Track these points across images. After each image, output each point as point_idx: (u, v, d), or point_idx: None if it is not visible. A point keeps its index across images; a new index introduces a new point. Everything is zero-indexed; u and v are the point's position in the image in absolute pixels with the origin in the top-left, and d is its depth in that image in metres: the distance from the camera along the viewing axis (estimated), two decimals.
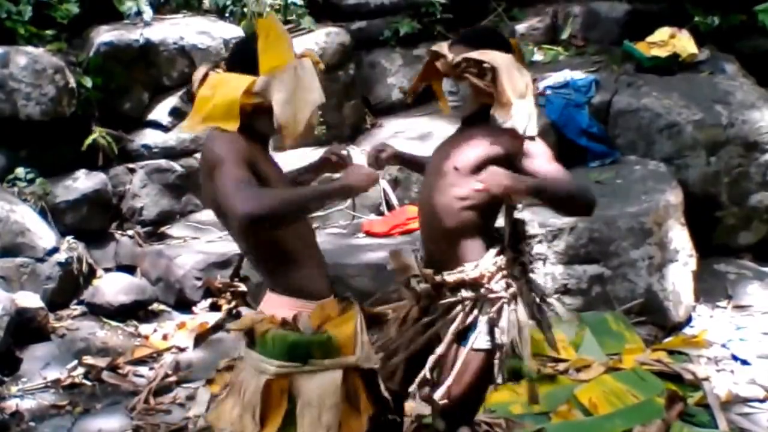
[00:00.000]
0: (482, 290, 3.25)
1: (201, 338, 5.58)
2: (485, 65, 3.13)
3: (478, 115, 3.27)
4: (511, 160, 3.20)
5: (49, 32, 6.66)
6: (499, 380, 3.34)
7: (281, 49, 2.86)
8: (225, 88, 2.82)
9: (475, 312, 3.26)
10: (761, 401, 4.82)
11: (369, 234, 6.32)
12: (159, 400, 4.93)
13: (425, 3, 7.98)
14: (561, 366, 4.88)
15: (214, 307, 5.99)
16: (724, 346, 5.46)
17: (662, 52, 7.16)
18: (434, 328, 3.31)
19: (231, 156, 2.71)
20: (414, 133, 7.20)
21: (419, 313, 3.39)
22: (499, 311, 3.26)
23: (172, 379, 5.12)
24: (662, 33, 7.27)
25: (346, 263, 5.64)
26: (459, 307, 3.27)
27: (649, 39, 7.29)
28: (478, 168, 3.18)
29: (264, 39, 2.83)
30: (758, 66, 7.44)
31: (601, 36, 8.10)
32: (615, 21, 8.11)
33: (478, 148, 3.20)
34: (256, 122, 2.84)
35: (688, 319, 5.81)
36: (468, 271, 3.25)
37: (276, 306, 2.90)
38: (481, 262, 3.25)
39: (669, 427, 4.24)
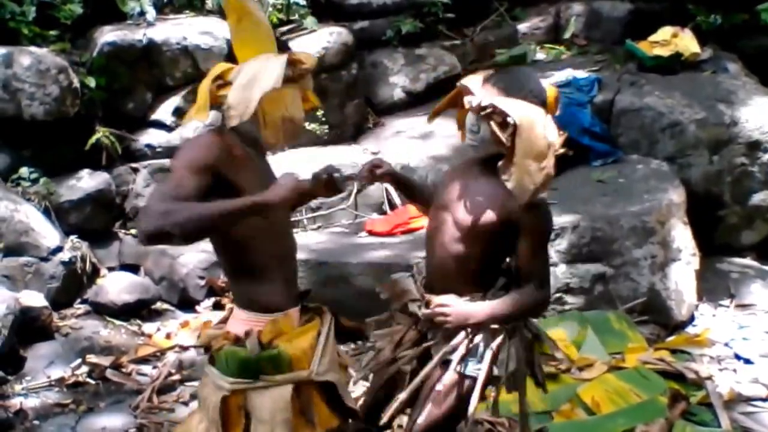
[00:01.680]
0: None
1: None
2: (509, 119, 3.02)
3: (498, 158, 3.15)
4: (515, 227, 3.13)
5: (52, 32, 6.67)
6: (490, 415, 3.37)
7: (258, 38, 2.79)
8: (207, 78, 2.80)
9: (476, 340, 3.24)
10: (764, 400, 4.82)
11: (371, 233, 6.33)
12: (162, 398, 4.94)
13: (427, 3, 7.99)
14: (563, 365, 4.87)
15: (217, 306, 6.01)
16: (726, 345, 5.46)
17: (665, 52, 7.16)
18: (439, 356, 3.27)
19: (185, 160, 2.66)
20: (416, 133, 7.21)
21: (417, 337, 3.37)
22: (500, 343, 3.25)
23: (176, 377, 5.13)
24: (664, 32, 7.28)
25: (348, 262, 5.65)
26: (462, 334, 3.24)
27: (652, 38, 7.29)
28: (492, 225, 3.13)
29: (235, 23, 2.78)
30: (761, 65, 7.44)
31: (603, 35, 8.12)
32: (617, 20, 8.13)
33: (495, 207, 3.12)
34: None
35: (691, 318, 5.82)
36: (475, 300, 3.22)
37: (235, 321, 2.90)
38: (488, 294, 3.23)
39: (672, 426, 4.25)
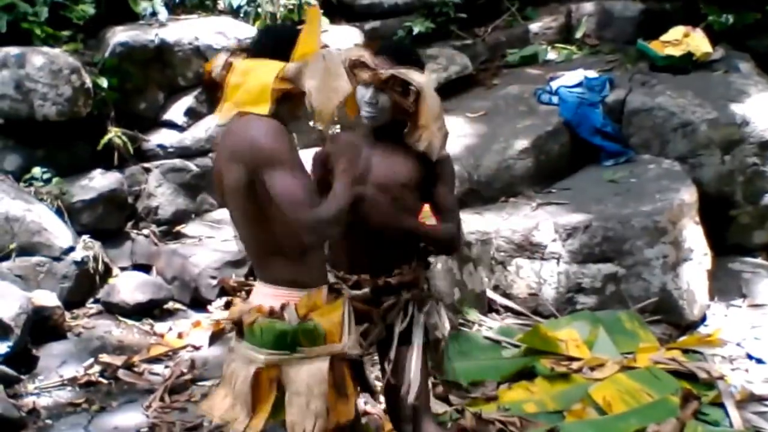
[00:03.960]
0: (416, 290, 3.39)
1: (216, 337, 5.60)
2: (411, 87, 3.20)
3: (391, 128, 3.32)
4: (430, 176, 3.36)
5: (65, 33, 6.68)
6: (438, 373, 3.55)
7: (314, 38, 2.91)
8: (256, 73, 2.87)
9: (410, 311, 3.37)
10: None
11: None
12: (174, 398, 4.94)
13: (439, 3, 7.99)
14: (575, 364, 4.88)
15: (229, 306, 6.01)
16: (738, 344, 5.45)
17: (676, 51, 7.15)
18: (396, 335, 3.38)
19: (289, 155, 2.81)
20: None
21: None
22: (430, 309, 3.42)
23: (188, 377, 5.13)
24: (676, 32, 7.27)
25: None
26: (397, 309, 3.36)
27: (663, 38, 7.28)
28: (417, 184, 3.34)
29: (309, 24, 2.91)
30: None
31: (614, 35, 8.11)
32: (629, 20, 8.12)
33: (412, 166, 3.31)
34: (281, 108, 2.89)
35: (703, 318, 5.81)
36: (406, 272, 3.36)
37: (265, 296, 2.97)
38: (415, 264, 3.40)
39: (683, 425, 4.24)
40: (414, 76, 3.22)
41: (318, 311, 2.93)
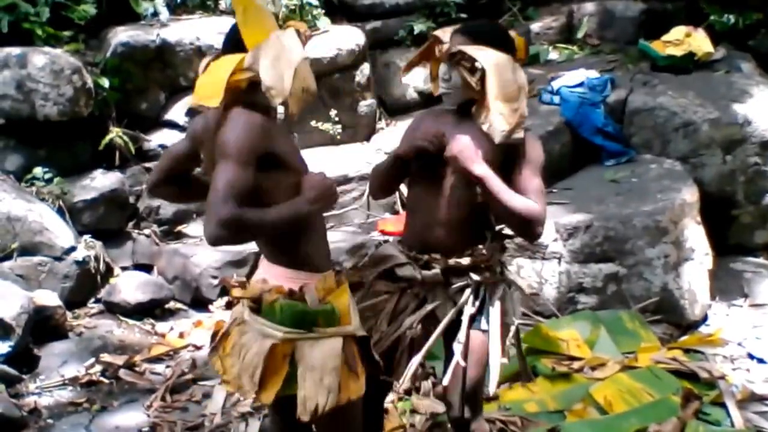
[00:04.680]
0: (487, 273, 3.35)
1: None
2: (476, 63, 3.18)
3: (470, 104, 3.30)
4: (511, 159, 3.28)
5: (66, 33, 6.70)
6: (505, 360, 3.44)
7: (263, 23, 2.92)
8: (215, 69, 2.91)
9: (481, 295, 3.35)
10: None
11: (383, 233, 6.33)
12: (176, 397, 4.95)
13: (440, 3, 8.00)
14: (576, 364, 4.88)
15: (230, 306, 6.00)
16: (740, 344, 5.45)
17: (678, 51, 7.15)
18: (449, 316, 3.35)
19: (241, 153, 2.78)
20: None
21: (417, 302, 3.41)
22: (503, 293, 3.38)
23: (189, 376, 5.14)
24: (678, 32, 7.26)
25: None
26: (468, 291, 3.34)
27: (665, 38, 7.28)
28: (497, 168, 3.24)
29: (241, 14, 2.91)
30: None
31: (616, 35, 8.11)
32: (630, 20, 8.12)
33: (491, 148, 3.23)
34: (254, 97, 2.90)
35: (704, 318, 5.81)
36: (478, 254, 3.34)
37: (280, 278, 3.01)
38: (488, 246, 3.35)
39: (684, 425, 4.23)
40: (479, 54, 3.18)
41: (333, 294, 3.02)
